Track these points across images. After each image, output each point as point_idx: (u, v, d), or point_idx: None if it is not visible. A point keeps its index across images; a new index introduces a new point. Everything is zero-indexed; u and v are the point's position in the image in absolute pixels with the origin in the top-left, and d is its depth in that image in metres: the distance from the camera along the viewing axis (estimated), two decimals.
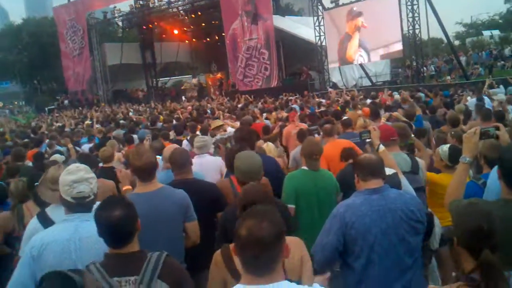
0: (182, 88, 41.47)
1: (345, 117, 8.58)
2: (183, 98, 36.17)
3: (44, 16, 72.05)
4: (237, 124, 9.78)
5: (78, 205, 3.06)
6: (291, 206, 4.54)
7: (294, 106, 15.38)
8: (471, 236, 2.26)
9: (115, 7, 40.56)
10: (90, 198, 3.07)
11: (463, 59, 31.26)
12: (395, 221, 3.20)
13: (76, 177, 3.05)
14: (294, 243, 2.96)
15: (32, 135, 14.34)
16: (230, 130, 8.88)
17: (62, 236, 2.98)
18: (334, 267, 3.43)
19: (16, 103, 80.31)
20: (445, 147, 4.93)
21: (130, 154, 4.03)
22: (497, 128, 3.62)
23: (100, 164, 6.90)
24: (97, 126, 14.92)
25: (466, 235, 2.30)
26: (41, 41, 58.45)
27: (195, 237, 3.90)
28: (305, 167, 4.88)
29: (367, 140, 4.56)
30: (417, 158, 4.95)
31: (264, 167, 4.12)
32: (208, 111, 17.29)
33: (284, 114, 12.61)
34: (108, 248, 2.73)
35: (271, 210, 2.17)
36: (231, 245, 2.12)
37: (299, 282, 2.79)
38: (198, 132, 9.36)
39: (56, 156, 7.50)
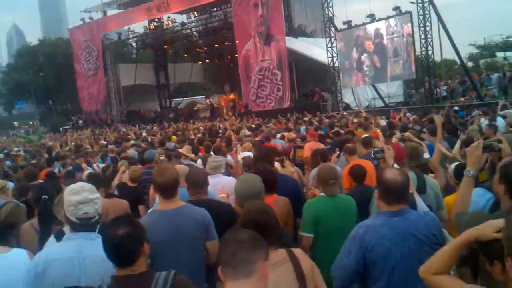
0: (195, 108, 41.73)
1: (365, 136, 8.53)
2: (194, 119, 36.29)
3: (59, 37, 73.36)
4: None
5: (82, 225, 3.07)
6: (308, 235, 4.46)
7: (301, 128, 15.33)
8: None
9: (129, 28, 41.16)
10: (95, 219, 3.07)
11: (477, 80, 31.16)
12: (416, 245, 3.13)
13: (80, 197, 3.05)
14: (299, 254, 3.02)
15: (46, 155, 14.42)
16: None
17: (67, 254, 2.99)
18: None
19: (31, 123, 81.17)
20: (453, 165, 4.88)
21: (154, 171, 4.04)
22: (500, 141, 3.60)
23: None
24: (110, 146, 15.00)
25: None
26: (57, 61, 59.51)
27: (215, 256, 3.83)
28: (323, 194, 4.75)
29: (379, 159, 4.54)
30: (428, 178, 4.89)
31: (284, 187, 4.06)
32: (220, 131, 17.34)
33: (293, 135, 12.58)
34: (114, 268, 2.73)
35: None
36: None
37: None
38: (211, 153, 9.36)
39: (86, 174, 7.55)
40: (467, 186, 3.31)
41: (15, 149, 22.84)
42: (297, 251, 3.07)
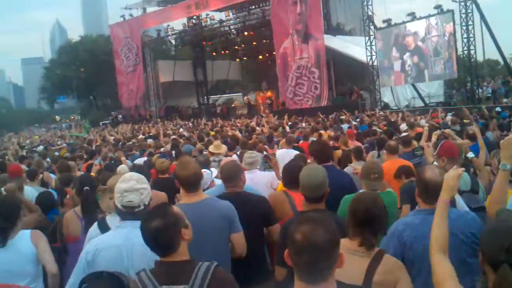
0: (233, 105, 41.91)
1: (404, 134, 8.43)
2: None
3: (100, 34, 75.00)
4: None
5: (128, 213, 3.12)
6: None
7: (344, 125, 15.27)
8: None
9: (168, 25, 41.72)
10: (139, 208, 3.11)
11: None
12: (455, 243, 3.05)
13: (127, 186, 3.12)
14: (387, 261, 2.93)
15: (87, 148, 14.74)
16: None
17: (115, 242, 3.05)
18: None
19: (73, 117, 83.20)
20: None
21: (176, 165, 4.08)
22: None
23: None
24: (149, 140, 15.21)
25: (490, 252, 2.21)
26: (97, 58, 60.81)
27: (241, 249, 3.85)
28: (363, 190, 4.66)
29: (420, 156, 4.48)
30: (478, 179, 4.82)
31: (338, 181, 4.08)
32: (257, 128, 17.36)
33: (331, 133, 12.51)
34: None
35: (327, 218, 2.14)
36: (286, 251, 2.07)
37: None
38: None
39: (122, 167, 7.69)
40: (503, 181, 3.21)
41: (58, 142, 23.44)
42: (389, 258, 2.96)
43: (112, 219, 3.59)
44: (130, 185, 3.13)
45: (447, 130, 8.19)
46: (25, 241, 3.63)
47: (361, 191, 4.61)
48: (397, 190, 5.28)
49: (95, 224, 3.67)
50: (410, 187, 4.90)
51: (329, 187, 3.83)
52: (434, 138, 6.92)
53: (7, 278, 3.51)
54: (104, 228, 3.56)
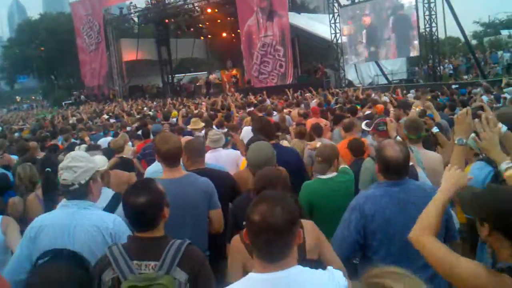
0: (198, 84, 41.58)
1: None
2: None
3: (61, 12, 72.83)
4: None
5: (65, 192, 3.07)
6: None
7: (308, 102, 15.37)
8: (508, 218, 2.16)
9: (131, 2, 40.78)
10: (74, 187, 3.02)
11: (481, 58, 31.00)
12: (417, 213, 2.98)
13: (63, 163, 3.07)
14: (308, 226, 2.99)
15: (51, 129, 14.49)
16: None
17: (58, 221, 3.01)
18: (353, 259, 3.37)
19: (33, 98, 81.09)
20: None
21: (156, 139, 4.06)
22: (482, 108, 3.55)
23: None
24: (112, 120, 15.03)
25: (502, 219, 2.18)
26: (58, 36, 59.26)
27: (218, 225, 3.92)
28: (318, 176, 4.66)
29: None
30: (430, 153, 4.92)
31: (284, 158, 4.08)
32: (224, 106, 17.31)
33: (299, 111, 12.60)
34: (103, 242, 2.84)
35: (284, 196, 2.12)
36: (243, 231, 2.06)
37: (317, 261, 2.82)
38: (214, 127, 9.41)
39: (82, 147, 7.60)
40: (459, 156, 3.13)
41: (20, 123, 22.94)
42: (307, 223, 3.03)
43: None
44: (65, 163, 3.07)
45: (427, 104, 8.29)
46: None
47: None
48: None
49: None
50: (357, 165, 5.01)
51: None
52: (414, 110, 7.03)
53: None
54: None
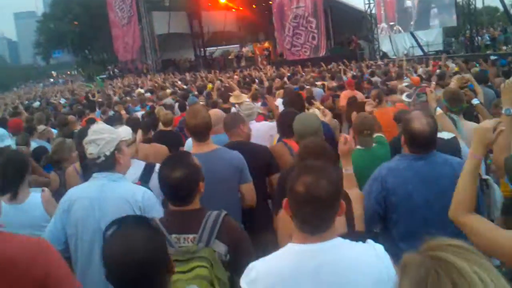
0: (230, 57, 41.46)
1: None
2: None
3: None
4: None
5: (93, 165, 3.11)
6: None
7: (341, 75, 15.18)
8: None
9: None
10: (100, 159, 3.06)
11: None
12: (440, 189, 3.00)
13: (86, 138, 3.10)
14: (353, 196, 2.92)
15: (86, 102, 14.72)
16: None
17: (89, 193, 3.06)
18: (374, 228, 3.32)
19: (69, 72, 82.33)
20: None
21: (186, 114, 4.05)
22: None
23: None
24: (147, 94, 15.16)
25: None
26: (91, 11, 59.74)
27: (250, 199, 3.90)
28: (358, 146, 4.58)
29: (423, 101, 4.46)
30: (472, 124, 4.80)
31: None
32: (256, 80, 17.25)
33: (334, 83, 12.49)
34: (134, 211, 2.86)
35: (329, 167, 2.08)
36: (284, 200, 2.04)
37: (365, 234, 2.79)
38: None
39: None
40: (508, 126, 2.91)
41: (55, 97, 23.36)
42: (353, 192, 2.99)
43: None
44: (89, 137, 3.09)
45: (467, 76, 8.06)
46: (38, 208, 3.47)
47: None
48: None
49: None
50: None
51: None
52: (454, 82, 6.86)
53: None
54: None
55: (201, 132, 3.84)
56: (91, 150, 3.06)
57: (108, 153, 3.07)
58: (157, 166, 3.45)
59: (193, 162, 2.75)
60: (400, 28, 28.31)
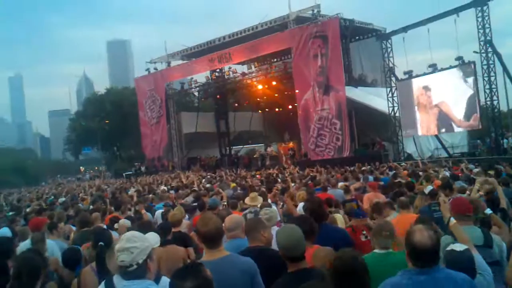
0: (255, 156, 42.01)
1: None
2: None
3: (125, 87, 76.57)
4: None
5: (123, 273, 3.11)
6: None
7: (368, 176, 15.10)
8: None
9: (192, 78, 42.52)
10: (132, 268, 3.06)
11: None
12: None
13: (119, 245, 3.12)
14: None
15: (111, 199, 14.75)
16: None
17: None
18: None
19: (96, 168, 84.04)
20: None
21: (198, 220, 4.06)
22: None
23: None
24: (171, 192, 15.24)
25: None
26: (122, 109, 61.99)
27: None
28: (376, 250, 4.50)
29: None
30: (492, 234, 4.65)
31: (333, 239, 4.10)
32: (279, 179, 17.29)
33: (357, 185, 12.40)
34: None
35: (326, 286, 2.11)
36: None
37: None
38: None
39: (124, 222, 7.64)
40: None
41: (81, 194, 23.60)
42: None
43: (118, 279, 3.52)
44: (121, 244, 3.11)
45: (491, 180, 7.87)
46: None
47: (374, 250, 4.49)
48: None
49: (102, 283, 3.57)
50: None
51: (323, 244, 3.97)
52: (479, 193, 6.73)
53: None
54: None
55: (212, 239, 3.83)
56: (123, 257, 3.07)
57: (140, 261, 3.10)
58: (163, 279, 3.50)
59: (205, 274, 2.72)
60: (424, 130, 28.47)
